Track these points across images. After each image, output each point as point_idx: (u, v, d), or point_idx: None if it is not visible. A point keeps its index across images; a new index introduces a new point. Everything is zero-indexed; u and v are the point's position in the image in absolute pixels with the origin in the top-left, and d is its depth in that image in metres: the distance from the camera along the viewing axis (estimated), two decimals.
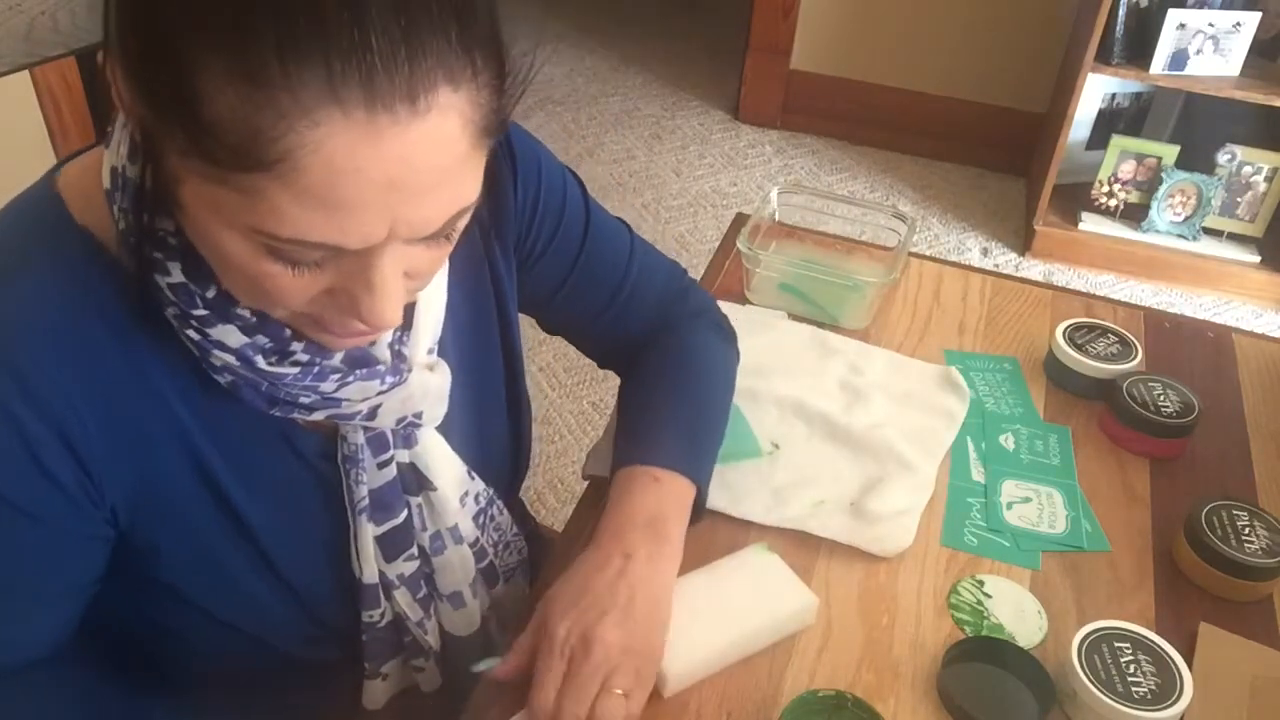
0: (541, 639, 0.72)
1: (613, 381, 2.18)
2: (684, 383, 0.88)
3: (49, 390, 0.59)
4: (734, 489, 0.93)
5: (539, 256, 0.83)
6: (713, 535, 0.89)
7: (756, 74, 3.18)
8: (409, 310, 0.69)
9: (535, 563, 0.94)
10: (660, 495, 0.80)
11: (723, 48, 3.62)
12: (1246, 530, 0.88)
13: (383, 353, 0.67)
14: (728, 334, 0.96)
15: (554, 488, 1.95)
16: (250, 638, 0.73)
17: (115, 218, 0.59)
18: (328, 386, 0.64)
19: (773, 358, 1.09)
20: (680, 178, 2.98)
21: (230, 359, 0.61)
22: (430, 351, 0.72)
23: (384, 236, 0.52)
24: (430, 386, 0.71)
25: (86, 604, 0.68)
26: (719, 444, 0.88)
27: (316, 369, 0.63)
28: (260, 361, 0.61)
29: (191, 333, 0.60)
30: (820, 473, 0.96)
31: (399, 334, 0.69)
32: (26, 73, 2.04)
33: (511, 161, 0.78)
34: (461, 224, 0.58)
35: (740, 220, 1.25)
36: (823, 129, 3.19)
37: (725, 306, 1.16)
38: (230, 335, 0.61)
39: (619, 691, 0.69)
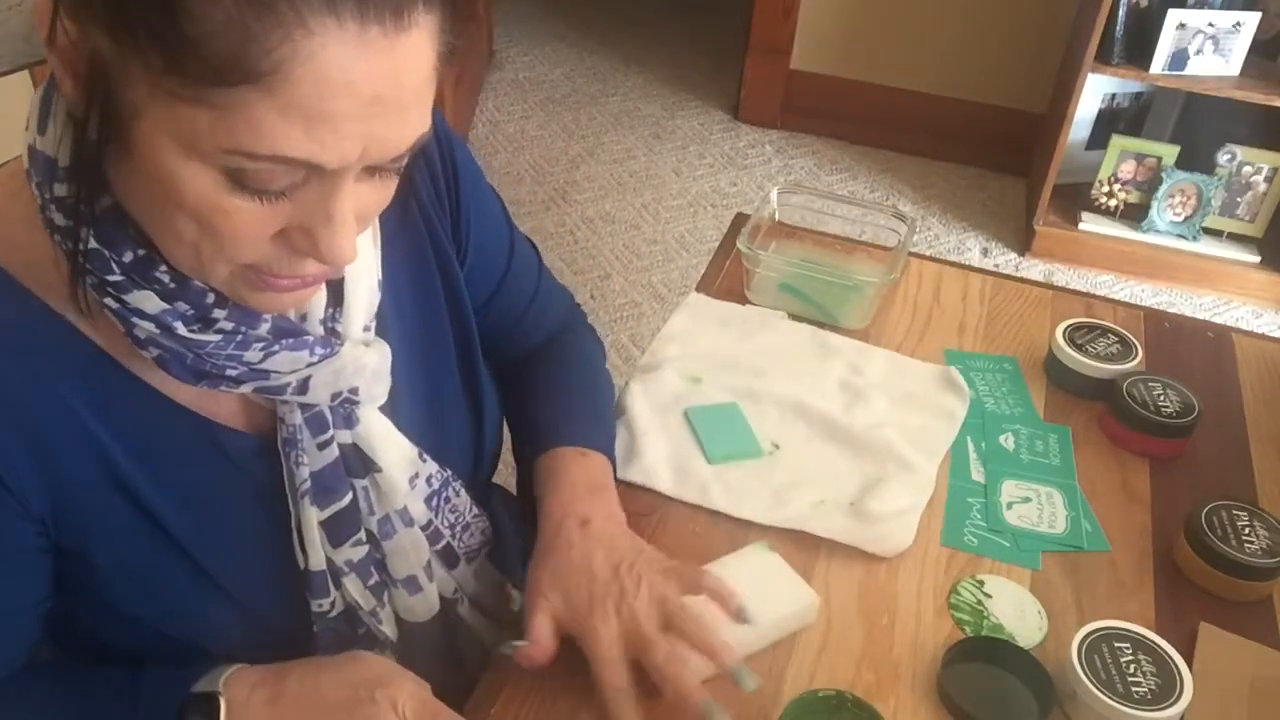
0: (569, 618, 0.74)
1: (614, 382, 2.19)
2: (585, 380, 0.96)
3: None
4: (734, 489, 0.93)
5: (470, 272, 0.85)
6: (713, 535, 0.89)
7: (756, 74, 3.18)
8: (338, 286, 0.69)
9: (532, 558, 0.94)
10: (589, 467, 0.85)
11: (723, 48, 3.62)
12: (1246, 530, 0.88)
13: (314, 328, 0.67)
14: (602, 345, 1.04)
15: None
16: (196, 649, 0.71)
17: (34, 195, 0.59)
18: (253, 356, 0.63)
19: (773, 358, 1.09)
20: (680, 178, 2.98)
21: (150, 327, 0.60)
22: (366, 329, 0.71)
23: (357, 156, 0.53)
24: (366, 362, 0.70)
25: (41, 622, 0.68)
26: (614, 432, 0.95)
27: (240, 337, 0.63)
28: (180, 328, 0.60)
29: (110, 301, 0.59)
30: (820, 473, 0.96)
31: (330, 310, 0.68)
32: (26, 73, 2.04)
33: (453, 170, 0.81)
34: (404, 160, 0.59)
35: (740, 220, 1.25)
36: (823, 129, 3.19)
37: (725, 306, 1.16)
38: (148, 301, 0.59)
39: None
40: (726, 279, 1.21)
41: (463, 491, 0.83)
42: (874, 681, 0.78)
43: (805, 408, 1.02)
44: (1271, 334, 1.27)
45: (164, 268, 0.59)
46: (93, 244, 0.58)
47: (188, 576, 0.69)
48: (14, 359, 0.60)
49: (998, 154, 3.03)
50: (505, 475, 0.95)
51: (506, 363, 0.95)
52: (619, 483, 0.89)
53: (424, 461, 0.78)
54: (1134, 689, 0.74)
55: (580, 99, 3.36)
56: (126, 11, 0.49)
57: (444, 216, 0.81)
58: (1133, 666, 0.75)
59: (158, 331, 0.60)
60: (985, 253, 2.74)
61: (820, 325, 1.14)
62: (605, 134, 3.17)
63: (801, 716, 0.72)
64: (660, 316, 2.41)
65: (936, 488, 0.95)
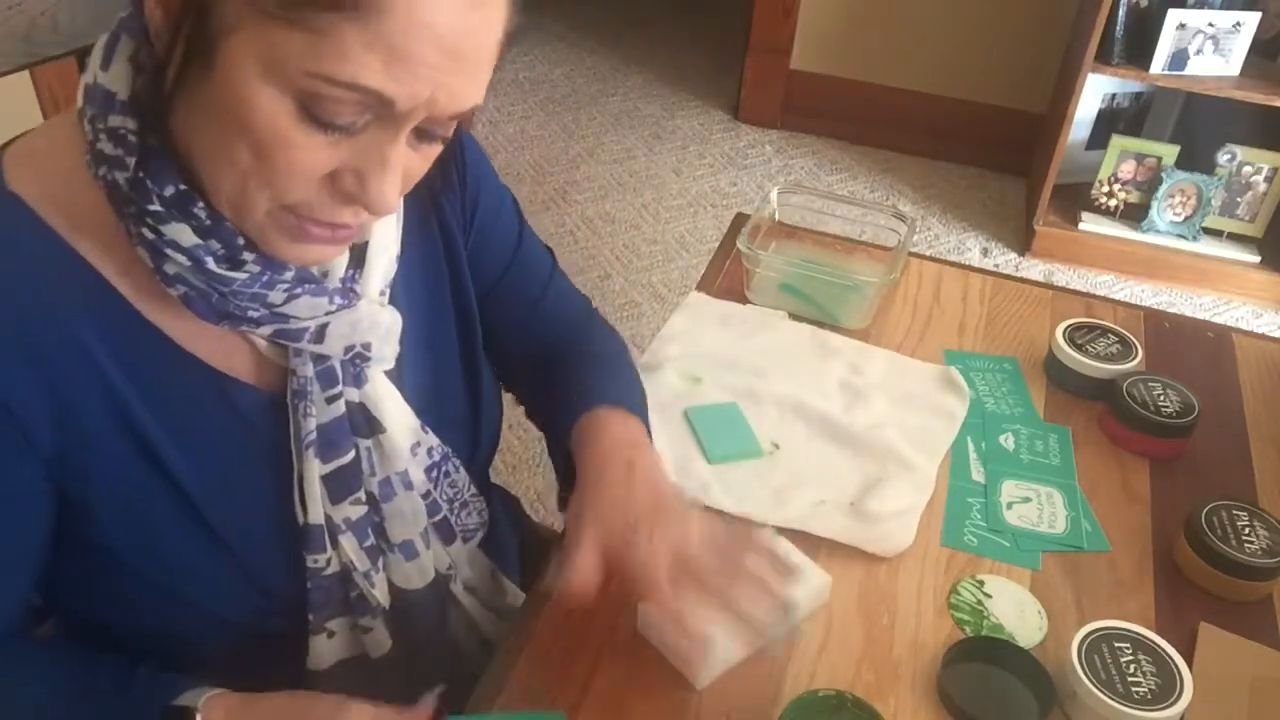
0: (612, 543, 0.73)
1: None
2: (615, 355, 0.95)
3: None
4: (734, 489, 0.93)
5: (476, 256, 0.87)
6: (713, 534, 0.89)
7: (756, 74, 3.18)
8: (361, 250, 0.72)
9: (533, 562, 0.94)
10: (629, 425, 0.83)
11: (723, 48, 3.62)
12: (1246, 530, 0.88)
13: (334, 284, 0.70)
14: (624, 342, 1.02)
15: (554, 488, 1.95)
16: (192, 606, 0.72)
17: (86, 133, 0.62)
18: (276, 297, 0.66)
19: (773, 358, 1.09)
20: (680, 178, 2.98)
21: (182, 259, 0.62)
22: (382, 294, 0.74)
23: (425, 100, 0.57)
24: (380, 320, 0.73)
25: (37, 573, 0.69)
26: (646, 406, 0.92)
27: (265, 278, 0.65)
28: (211, 263, 0.63)
29: (146, 232, 0.62)
30: (820, 473, 0.96)
31: (351, 271, 0.71)
32: (26, 73, 2.04)
33: (461, 158, 0.84)
34: (451, 129, 0.63)
35: (740, 220, 1.25)
36: (823, 129, 3.19)
37: (725, 306, 1.16)
38: (183, 234, 0.62)
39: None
40: (726, 279, 1.21)
41: (461, 469, 0.84)
42: (874, 681, 0.78)
43: (805, 408, 1.02)
44: (1271, 334, 1.27)
45: (201, 205, 0.62)
46: (136, 174, 0.61)
47: (188, 526, 0.70)
48: (36, 297, 0.62)
49: (998, 154, 3.03)
50: (505, 475, 0.95)
51: (526, 356, 0.94)
52: None
53: (425, 433, 0.79)
54: (1134, 689, 0.74)
55: (580, 99, 3.36)
56: None
57: (453, 198, 0.84)
58: (1133, 666, 0.75)
59: (188, 264, 0.63)
60: (985, 253, 2.74)
61: (820, 325, 1.14)
62: (605, 134, 3.17)
63: (801, 716, 0.72)
64: (660, 316, 2.41)
65: (936, 488, 0.95)
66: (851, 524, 0.90)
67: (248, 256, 0.64)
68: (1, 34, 0.92)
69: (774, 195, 1.23)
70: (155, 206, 0.61)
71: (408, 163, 0.62)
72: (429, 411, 0.80)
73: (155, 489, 0.68)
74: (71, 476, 0.66)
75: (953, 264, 1.28)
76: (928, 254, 1.44)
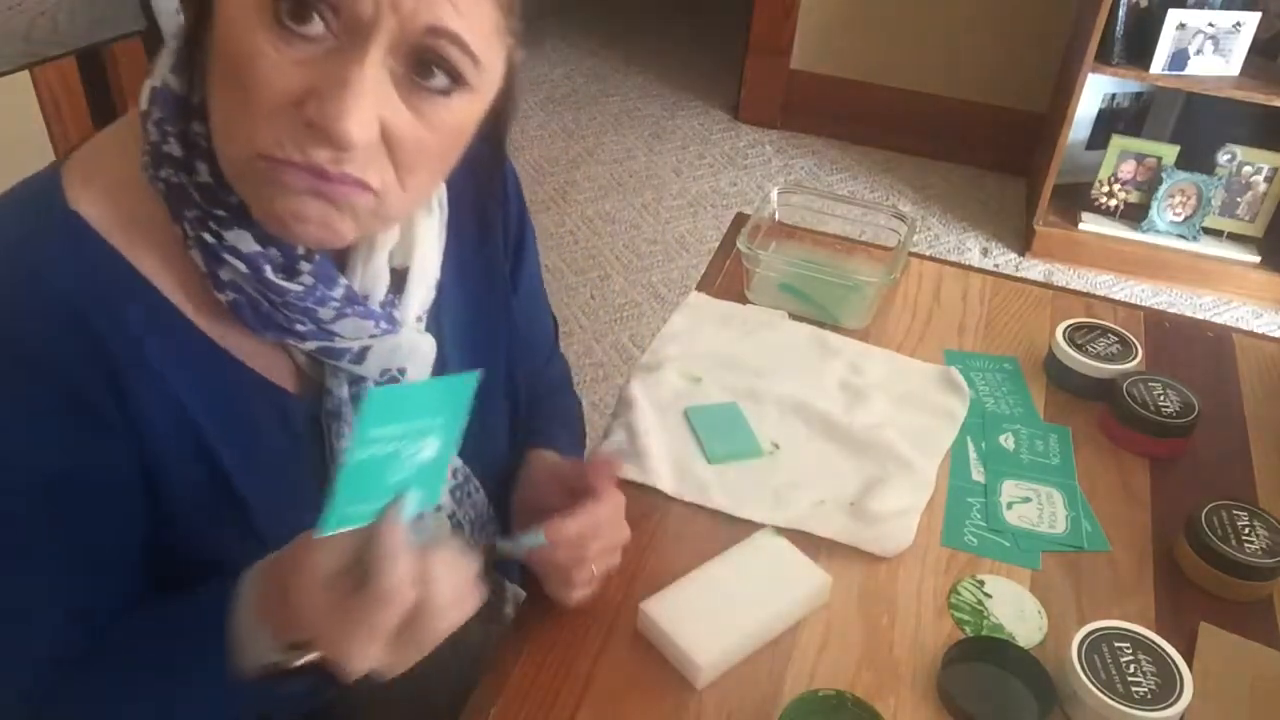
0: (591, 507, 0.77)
1: (614, 382, 2.19)
2: (567, 417, 1.00)
3: (55, 361, 0.61)
4: (734, 489, 0.93)
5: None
6: (714, 534, 0.89)
7: (756, 74, 3.18)
8: (402, 275, 0.72)
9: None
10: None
11: (723, 48, 3.62)
12: (1246, 530, 0.88)
13: (374, 306, 0.70)
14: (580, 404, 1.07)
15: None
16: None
17: (149, 135, 0.62)
18: (325, 314, 0.66)
19: (773, 358, 1.09)
20: (680, 178, 2.98)
21: (240, 266, 0.63)
22: (419, 319, 0.74)
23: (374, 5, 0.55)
24: (419, 347, 0.73)
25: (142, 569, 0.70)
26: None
27: (319, 292, 0.66)
28: (269, 271, 0.64)
29: (207, 236, 0.62)
30: (820, 473, 0.96)
31: (390, 295, 0.71)
32: (26, 73, 2.04)
33: (505, 195, 0.85)
34: (454, 103, 0.60)
35: (740, 220, 1.25)
36: (823, 129, 3.19)
37: (725, 306, 1.16)
38: (244, 240, 0.63)
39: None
40: (726, 279, 1.21)
41: (481, 490, 0.85)
42: (874, 681, 0.78)
43: (805, 408, 1.02)
44: (1271, 334, 1.27)
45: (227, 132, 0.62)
46: (206, 178, 0.62)
47: (249, 543, 0.70)
48: (103, 312, 0.62)
49: (998, 154, 3.03)
50: None
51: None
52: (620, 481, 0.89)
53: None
54: (1134, 689, 0.74)
55: (580, 99, 3.35)
56: None
57: (500, 236, 0.85)
58: (1133, 666, 0.75)
59: (246, 272, 0.63)
60: (985, 253, 2.74)
61: (820, 325, 1.14)
62: (605, 134, 3.17)
63: (801, 716, 0.72)
64: (660, 316, 2.41)
65: (936, 488, 0.95)
66: (851, 524, 0.90)
67: (304, 267, 0.65)
68: (1, 34, 0.92)
69: (774, 195, 1.23)
70: (220, 211, 0.62)
71: (396, 119, 0.59)
72: (468, 440, 0.81)
73: (215, 499, 0.69)
74: (150, 487, 0.67)
75: (953, 264, 1.28)
76: (928, 254, 1.44)
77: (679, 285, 2.53)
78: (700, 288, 1.20)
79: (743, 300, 1.18)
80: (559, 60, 3.57)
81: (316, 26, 0.56)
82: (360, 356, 0.70)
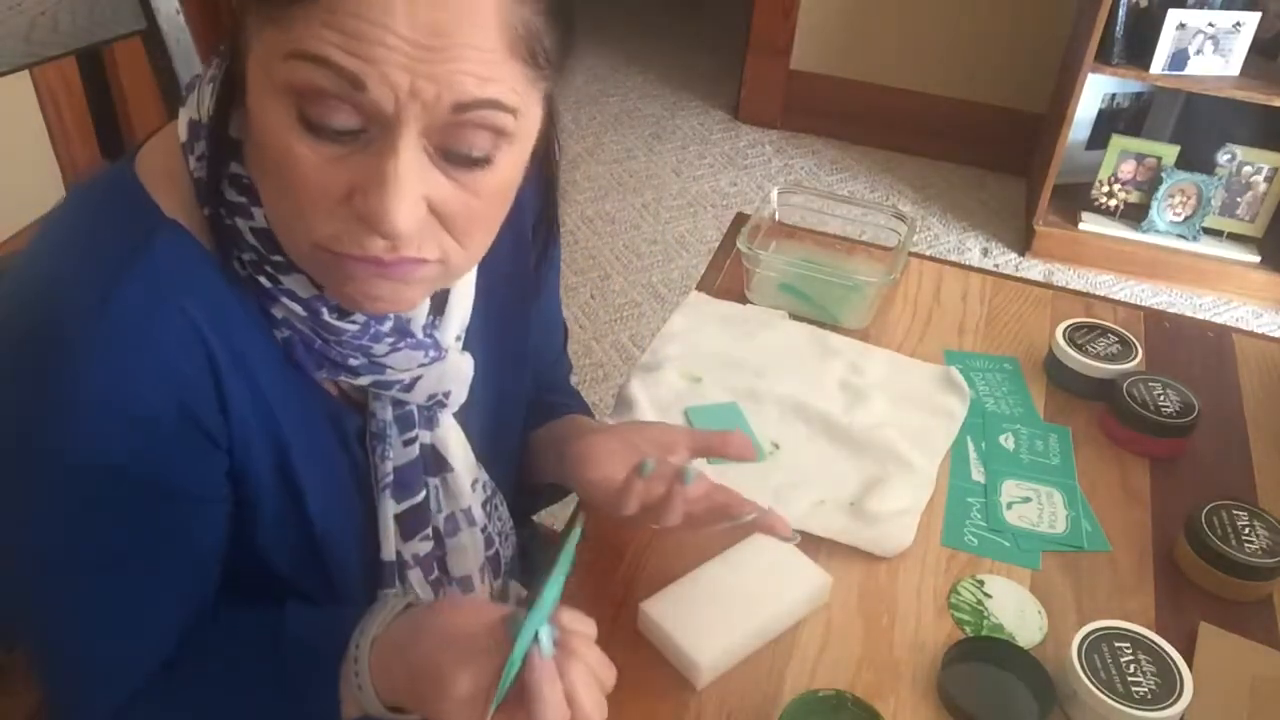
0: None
1: (614, 382, 2.19)
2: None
3: (177, 375, 0.61)
4: (734, 489, 0.93)
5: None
6: (713, 534, 0.88)
7: (756, 74, 3.18)
8: (441, 297, 0.72)
9: (534, 560, 0.94)
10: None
11: (723, 48, 3.62)
12: (1246, 530, 0.88)
13: (416, 331, 0.70)
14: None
15: None
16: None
17: (191, 169, 0.62)
18: (380, 349, 0.67)
19: (773, 358, 1.09)
20: (680, 178, 2.98)
21: (298, 309, 0.63)
22: (457, 339, 0.75)
23: (405, 88, 0.53)
24: (462, 369, 0.74)
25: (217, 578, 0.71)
26: None
27: (372, 330, 0.66)
28: (326, 314, 0.64)
29: (264, 279, 0.63)
30: (820, 473, 0.96)
31: (432, 318, 0.71)
32: (26, 73, 2.04)
33: (545, 243, 0.85)
34: (498, 164, 0.59)
35: (740, 220, 1.25)
36: (823, 129, 3.19)
37: (725, 306, 1.16)
38: (301, 285, 0.63)
39: None
40: (726, 279, 1.21)
41: (504, 504, 0.86)
42: (874, 681, 0.78)
43: (805, 408, 1.02)
44: (1271, 334, 1.27)
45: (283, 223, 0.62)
46: (262, 222, 0.61)
47: (307, 548, 0.71)
48: (212, 323, 0.62)
49: (998, 154, 3.03)
50: None
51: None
52: None
53: (480, 470, 0.81)
54: (1134, 689, 0.74)
55: (580, 99, 3.35)
56: None
57: (537, 258, 0.85)
58: (1133, 666, 0.75)
59: (304, 314, 0.64)
60: (985, 253, 2.74)
61: (820, 325, 1.14)
62: (605, 134, 3.17)
63: (801, 716, 0.72)
64: (660, 316, 2.41)
65: (936, 488, 0.95)
66: (851, 524, 0.90)
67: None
68: (1, 34, 0.92)
69: (774, 195, 1.23)
70: (278, 256, 0.62)
71: (440, 194, 0.58)
72: (487, 449, 0.82)
73: (289, 523, 0.70)
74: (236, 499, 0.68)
75: (953, 264, 1.28)
76: (928, 254, 1.44)
77: (679, 285, 2.53)
78: (700, 288, 1.20)
79: (743, 300, 1.18)
80: None
81: (344, 123, 0.55)
82: (410, 386, 0.71)
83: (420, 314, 0.70)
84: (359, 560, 0.75)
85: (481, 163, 0.58)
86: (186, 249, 0.62)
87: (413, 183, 0.56)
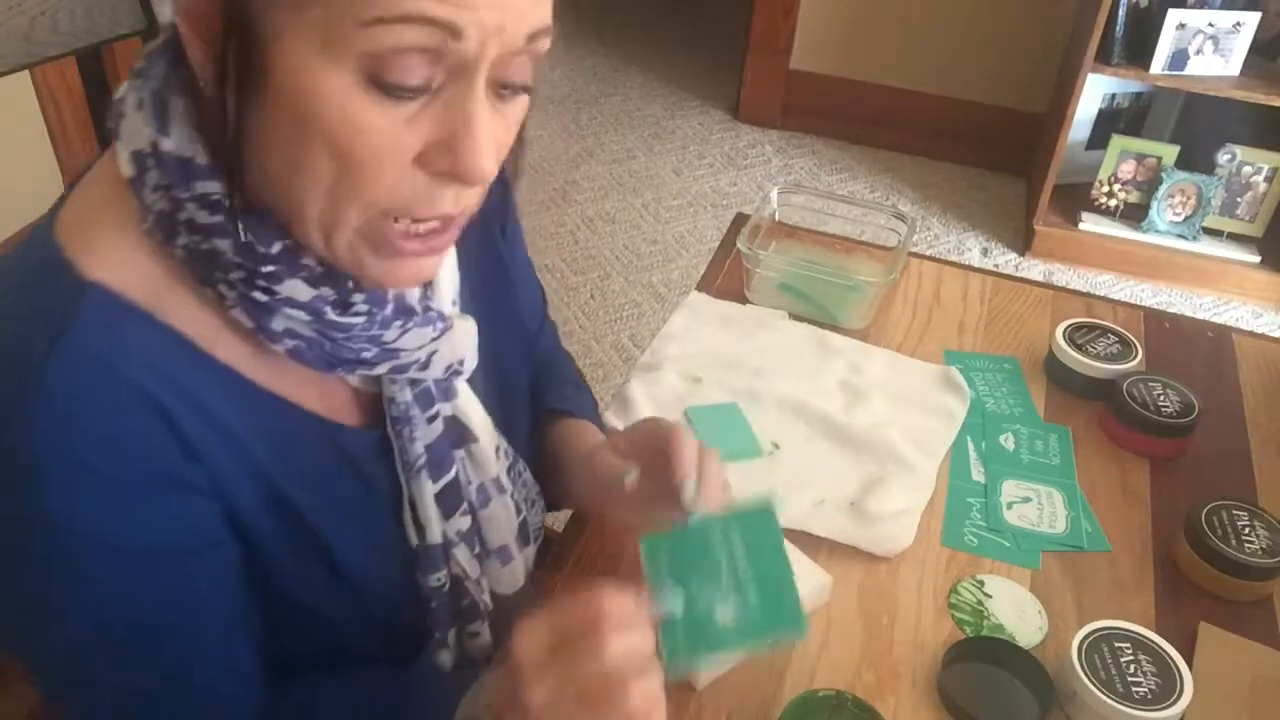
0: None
1: (614, 382, 2.19)
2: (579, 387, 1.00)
3: (134, 445, 0.58)
4: (734, 489, 0.93)
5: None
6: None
7: (756, 74, 3.18)
8: None
9: (537, 557, 0.94)
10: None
11: (723, 48, 3.62)
12: (1246, 530, 0.88)
13: (415, 306, 0.69)
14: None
15: None
16: (319, 648, 0.73)
17: (149, 203, 0.58)
18: (390, 335, 0.65)
19: (773, 358, 1.09)
20: (680, 178, 2.98)
21: (301, 314, 0.61)
22: (454, 304, 0.73)
23: (494, 26, 0.53)
24: (470, 332, 0.73)
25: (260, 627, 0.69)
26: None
27: (380, 317, 0.64)
28: (330, 313, 0.62)
29: (259, 295, 0.60)
30: (820, 473, 0.96)
31: (424, 289, 0.70)
32: (26, 73, 2.04)
33: (505, 200, 0.84)
34: (529, 78, 0.58)
35: (740, 220, 1.25)
36: (823, 129, 3.19)
37: (725, 306, 1.16)
38: (299, 289, 0.60)
39: None
40: (726, 279, 1.21)
41: (528, 470, 0.84)
42: (874, 681, 0.78)
43: (805, 407, 1.02)
44: (1271, 334, 1.27)
45: (309, 256, 0.60)
46: (244, 236, 0.58)
47: (327, 576, 0.70)
48: (162, 381, 0.59)
49: (998, 154, 3.03)
50: None
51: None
52: None
53: (499, 437, 0.80)
54: (1134, 689, 0.74)
55: (580, 99, 3.36)
56: None
57: (499, 220, 0.84)
58: (1133, 666, 0.75)
59: (307, 319, 0.61)
60: (985, 253, 2.74)
61: (820, 325, 1.14)
62: (605, 134, 3.17)
63: (801, 716, 0.72)
64: (660, 316, 2.41)
65: (936, 488, 0.95)
66: (851, 524, 0.90)
67: (357, 298, 0.63)
68: (2, 34, 0.92)
69: (774, 195, 1.23)
70: (269, 267, 0.59)
71: (494, 128, 0.57)
72: (499, 414, 0.81)
73: (303, 552, 0.68)
74: (243, 541, 0.66)
75: (953, 264, 1.28)
76: (928, 254, 1.44)
77: (679, 285, 2.53)
78: (700, 288, 1.20)
79: (743, 300, 1.18)
80: (559, 60, 3.57)
81: (421, 79, 0.53)
82: (426, 363, 0.69)
83: (413, 290, 0.69)
84: (387, 564, 0.74)
85: (524, 90, 0.58)
86: (112, 311, 0.58)
87: (488, 122, 0.56)
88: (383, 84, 0.53)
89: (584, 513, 0.91)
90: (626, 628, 0.58)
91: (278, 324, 0.62)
